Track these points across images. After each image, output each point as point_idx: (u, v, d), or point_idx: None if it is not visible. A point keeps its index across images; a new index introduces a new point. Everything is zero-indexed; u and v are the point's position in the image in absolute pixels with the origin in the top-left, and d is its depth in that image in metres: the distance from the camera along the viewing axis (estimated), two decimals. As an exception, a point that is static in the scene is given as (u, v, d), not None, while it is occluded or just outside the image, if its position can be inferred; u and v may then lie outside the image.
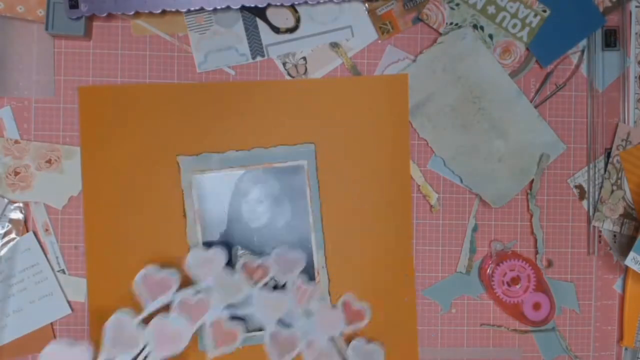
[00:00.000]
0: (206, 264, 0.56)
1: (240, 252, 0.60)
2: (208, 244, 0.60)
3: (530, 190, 0.65)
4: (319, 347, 0.58)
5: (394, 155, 0.63)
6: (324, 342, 0.58)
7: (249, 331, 0.58)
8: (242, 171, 0.61)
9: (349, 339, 0.60)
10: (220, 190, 0.61)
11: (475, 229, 0.65)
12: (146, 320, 0.54)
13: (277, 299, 0.57)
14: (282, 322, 0.58)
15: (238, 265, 0.58)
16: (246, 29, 0.62)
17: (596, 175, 0.66)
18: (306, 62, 0.63)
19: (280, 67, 0.63)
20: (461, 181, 0.64)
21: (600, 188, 0.65)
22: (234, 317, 0.56)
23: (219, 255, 0.57)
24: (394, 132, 0.63)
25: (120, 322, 0.53)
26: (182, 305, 0.54)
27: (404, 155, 0.63)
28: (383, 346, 0.61)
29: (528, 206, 0.65)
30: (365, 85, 0.63)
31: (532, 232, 0.65)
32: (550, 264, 0.65)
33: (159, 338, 0.52)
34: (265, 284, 0.58)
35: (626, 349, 0.67)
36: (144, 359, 0.53)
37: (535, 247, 0.65)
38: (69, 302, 0.61)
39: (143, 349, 0.53)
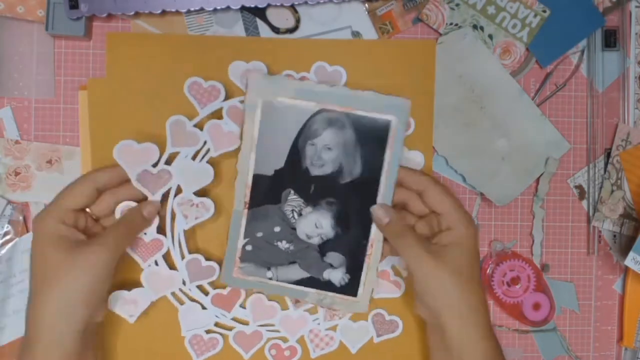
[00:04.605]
0: (246, 75, 0.56)
1: (291, 196, 0.54)
2: (258, 178, 0.54)
3: (537, 193, 0.64)
4: None
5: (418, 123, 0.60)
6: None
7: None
8: (318, 108, 0.53)
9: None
10: (287, 122, 0.53)
11: (475, 229, 0.65)
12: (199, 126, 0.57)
13: None
14: None
15: (283, 195, 0.55)
16: (246, 29, 0.62)
17: (596, 175, 0.66)
18: (306, 62, 0.63)
19: (281, 67, 0.63)
20: (464, 180, 0.64)
21: (600, 188, 0.65)
22: None
23: (258, 66, 0.57)
24: (419, 98, 0.59)
25: (178, 122, 0.56)
26: (231, 111, 0.56)
27: (426, 123, 0.60)
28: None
29: (531, 207, 0.65)
30: (392, 49, 0.61)
31: (531, 233, 0.65)
32: (545, 267, 0.65)
33: (215, 137, 0.56)
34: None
35: (626, 349, 0.67)
36: (205, 154, 0.56)
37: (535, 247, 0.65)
38: (69, 303, 0.61)
39: (203, 146, 0.56)
